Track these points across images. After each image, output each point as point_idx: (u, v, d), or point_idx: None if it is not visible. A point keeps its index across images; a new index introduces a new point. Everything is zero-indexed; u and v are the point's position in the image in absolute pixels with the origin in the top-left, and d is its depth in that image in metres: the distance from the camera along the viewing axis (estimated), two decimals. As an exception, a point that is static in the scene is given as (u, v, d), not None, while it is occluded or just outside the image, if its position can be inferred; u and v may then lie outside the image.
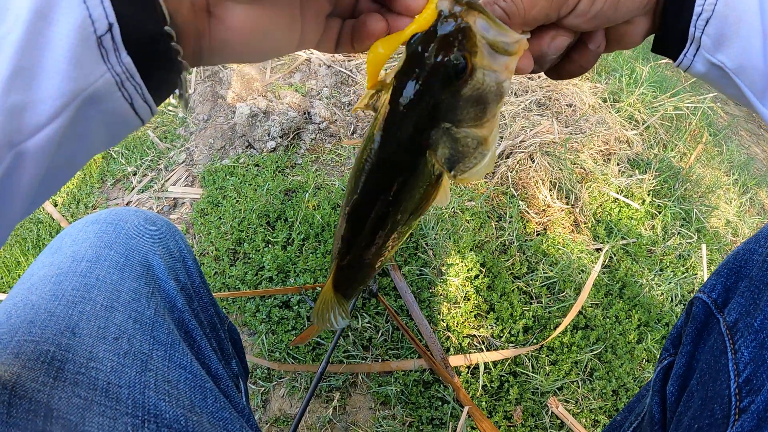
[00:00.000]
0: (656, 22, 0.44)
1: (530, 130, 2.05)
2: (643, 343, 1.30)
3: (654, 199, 1.82)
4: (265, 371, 1.15)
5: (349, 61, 2.50)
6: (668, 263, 1.59)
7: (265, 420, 1.07)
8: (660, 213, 1.76)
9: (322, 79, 2.33)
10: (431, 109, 0.38)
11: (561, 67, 0.47)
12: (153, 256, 0.58)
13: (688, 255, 1.63)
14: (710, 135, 2.39)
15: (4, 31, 0.25)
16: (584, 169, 1.94)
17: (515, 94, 2.37)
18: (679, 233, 1.72)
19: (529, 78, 2.49)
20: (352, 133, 2.07)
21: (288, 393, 1.12)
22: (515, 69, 0.40)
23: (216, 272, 1.32)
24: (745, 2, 0.38)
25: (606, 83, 2.48)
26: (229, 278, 1.29)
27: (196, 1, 0.33)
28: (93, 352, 0.46)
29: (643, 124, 2.22)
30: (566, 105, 2.32)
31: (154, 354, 0.50)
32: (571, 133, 2.08)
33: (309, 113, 2.03)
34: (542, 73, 0.49)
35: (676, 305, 1.46)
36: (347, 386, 1.15)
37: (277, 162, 1.65)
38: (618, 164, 2.01)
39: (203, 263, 1.34)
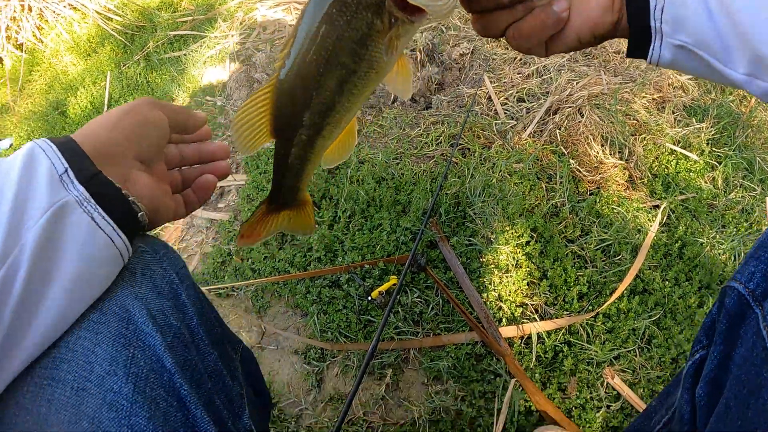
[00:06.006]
0: (621, 23, 0.49)
1: (577, 83, 1.94)
2: (705, 307, 1.24)
3: (713, 149, 1.70)
4: (319, 351, 1.19)
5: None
6: (730, 218, 1.49)
7: (320, 399, 1.11)
8: (720, 164, 1.65)
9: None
10: None
11: (519, 25, 0.50)
12: (133, 302, 0.48)
13: (752, 209, 1.53)
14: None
15: (5, 169, 0.43)
16: (637, 120, 1.83)
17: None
18: (741, 185, 1.61)
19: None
20: (393, 102, 2.04)
21: (341, 372, 1.15)
22: None
23: (266, 257, 1.35)
24: (686, 5, 0.44)
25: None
26: (278, 262, 1.32)
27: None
28: None
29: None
30: (614, 52, 2.19)
31: None
32: (621, 83, 1.96)
33: (346, 86, 2.01)
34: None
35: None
36: (399, 362, 1.17)
37: (317, 139, 1.65)
38: (673, 112, 1.88)
39: (254, 250, 1.37)
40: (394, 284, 1.22)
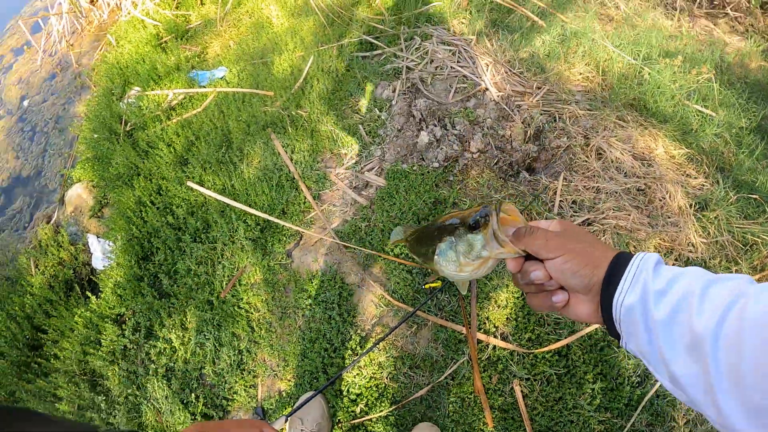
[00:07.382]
0: (600, 318, 0.68)
1: (613, 212, 2.76)
2: (597, 383, 2.16)
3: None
4: (387, 301, 2.23)
5: (514, 100, 3.23)
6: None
7: (379, 324, 2.17)
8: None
9: (488, 111, 3.11)
10: (454, 228, 0.82)
11: (533, 295, 0.74)
12: None
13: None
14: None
15: None
16: (639, 255, 2.63)
17: (625, 173, 3.00)
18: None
19: (645, 163, 3.08)
20: (495, 164, 2.92)
21: (393, 315, 2.20)
22: (508, 263, 0.74)
23: (379, 240, 2.37)
24: (635, 324, 0.63)
25: (703, 188, 2.98)
26: (386, 245, 2.34)
27: None
28: None
29: (714, 237, 2.74)
30: (660, 198, 2.91)
31: None
32: (646, 225, 2.74)
33: (468, 143, 2.91)
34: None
35: (637, 376, 2.23)
36: (422, 325, 2.20)
37: (436, 178, 2.61)
38: (675, 260, 2.66)
39: (374, 235, 2.40)
40: (437, 286, 2.22)
